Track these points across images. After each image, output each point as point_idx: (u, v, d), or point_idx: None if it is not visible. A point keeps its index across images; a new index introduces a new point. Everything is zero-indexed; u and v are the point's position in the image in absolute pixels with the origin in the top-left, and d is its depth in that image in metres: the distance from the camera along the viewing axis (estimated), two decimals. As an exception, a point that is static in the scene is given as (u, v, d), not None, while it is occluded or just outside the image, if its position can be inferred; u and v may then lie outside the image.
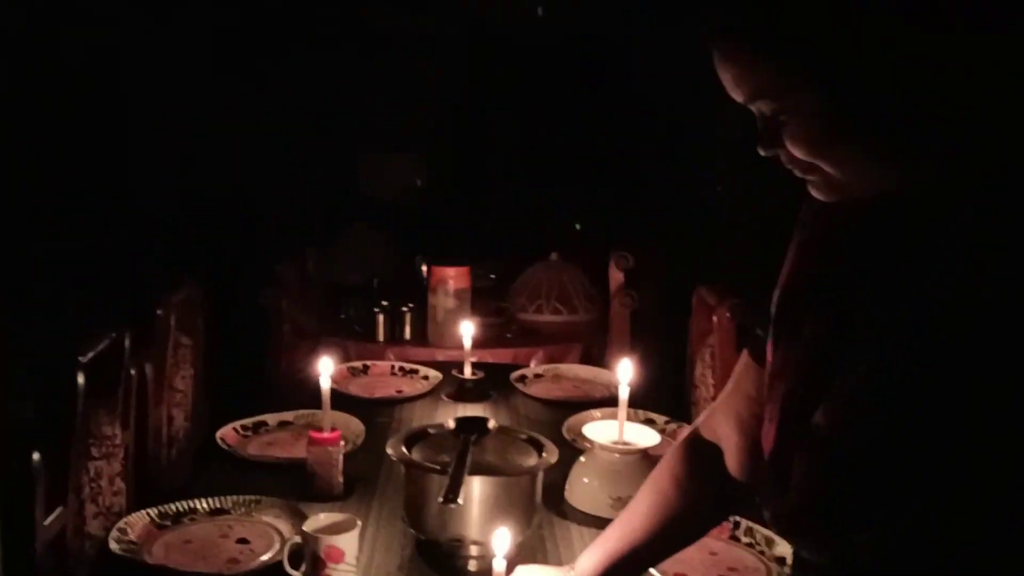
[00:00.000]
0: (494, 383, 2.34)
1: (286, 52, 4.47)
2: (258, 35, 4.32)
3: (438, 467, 1.40)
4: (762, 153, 0.86)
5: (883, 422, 0.78)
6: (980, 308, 0.74)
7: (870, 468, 0.79)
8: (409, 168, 5.02)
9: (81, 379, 1.27)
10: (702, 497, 1.17)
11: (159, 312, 1.72)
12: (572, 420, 2.03)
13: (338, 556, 1.30)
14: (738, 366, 1.14)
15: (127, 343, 1.47)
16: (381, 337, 2.91)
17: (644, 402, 2.14)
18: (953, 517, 0.74)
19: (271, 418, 2.02)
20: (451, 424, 1.52)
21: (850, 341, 0.83)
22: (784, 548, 1.44)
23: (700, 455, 1.18)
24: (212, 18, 4.17)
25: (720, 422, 1.16)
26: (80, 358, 1.28)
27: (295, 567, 1.32)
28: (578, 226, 4.11)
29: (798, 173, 0.85)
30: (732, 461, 1.13)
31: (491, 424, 1.53)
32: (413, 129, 4.96)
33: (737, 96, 0.85)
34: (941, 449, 0.74)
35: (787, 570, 1.39)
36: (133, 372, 1.54)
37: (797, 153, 0.82)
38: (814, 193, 0.86)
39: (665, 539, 1.20)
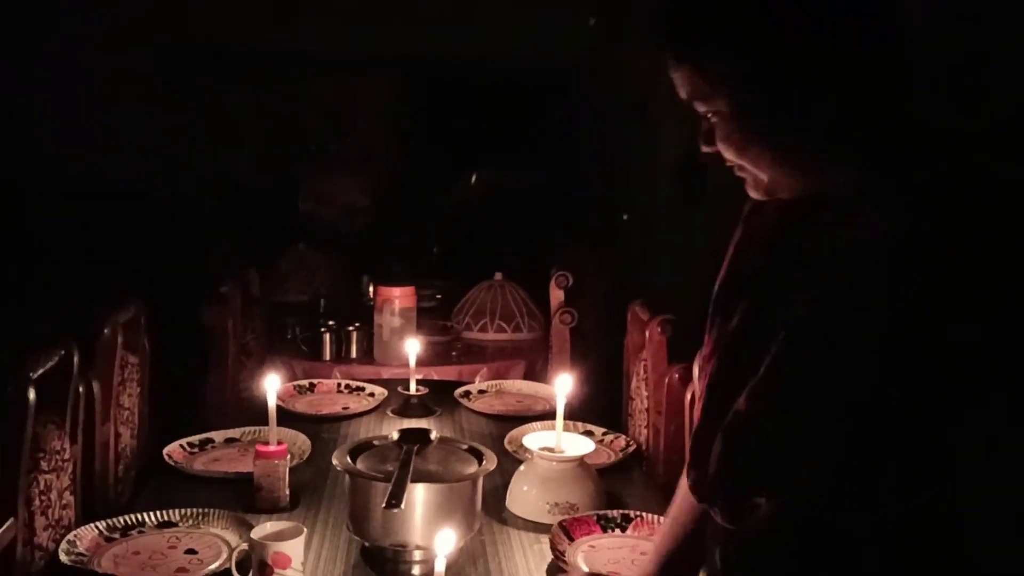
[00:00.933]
0: (439, 399, 2.40)
1: (229, 74, 4.51)
2: (201, 57, 4.35)
3: (382, 475, 1.46)
4: (704, 150, 0.96)
5: (782, 409, 0.88)
6: (865, 306, 0.84)
7: (773, 449, 0.89)
8: (351, 190, 5.07)
9: (32, 394, 1.30)
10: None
11: (106, 331, 1.75)
12: (513, 432, 2.10)
13: (284, 562, 1.35)
14: None
15: (76, 360, 1.50)
16: (328, 356, 2.95)
17: (583, 415, 2.22)
18: (840, 487, 0.85)
19: (217, 435, 2.06)
20: (395, 436, 1.59)
21: (763, 333, 0.93)
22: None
23: None
24: (151, 37, 4.18)
25: None
26: (31, 374, 1.32)
27: (243, 574, 1.36)
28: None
29: (736, 172, 0.96)
30: None
31: (433, 435, 1.60)
32: (355, 151, 5.02)
33: (681, 96, 0.94)
34: (830, 431, 0.85)
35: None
36: (81, 389, 1.57)
37: (724, 152, 0.93)
38: (748, 191, 0.97)
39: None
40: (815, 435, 0.86)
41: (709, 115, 0.93)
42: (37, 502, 1.38)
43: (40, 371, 1.36)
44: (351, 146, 5.14)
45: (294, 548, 1.36)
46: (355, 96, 5.16)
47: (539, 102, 4.97)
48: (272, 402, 1.75)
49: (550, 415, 2.06)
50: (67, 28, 3.91)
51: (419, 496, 1.47)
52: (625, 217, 4.54)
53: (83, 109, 3.87)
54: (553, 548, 1.50)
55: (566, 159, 4.87)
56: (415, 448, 1.54)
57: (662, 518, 1.60)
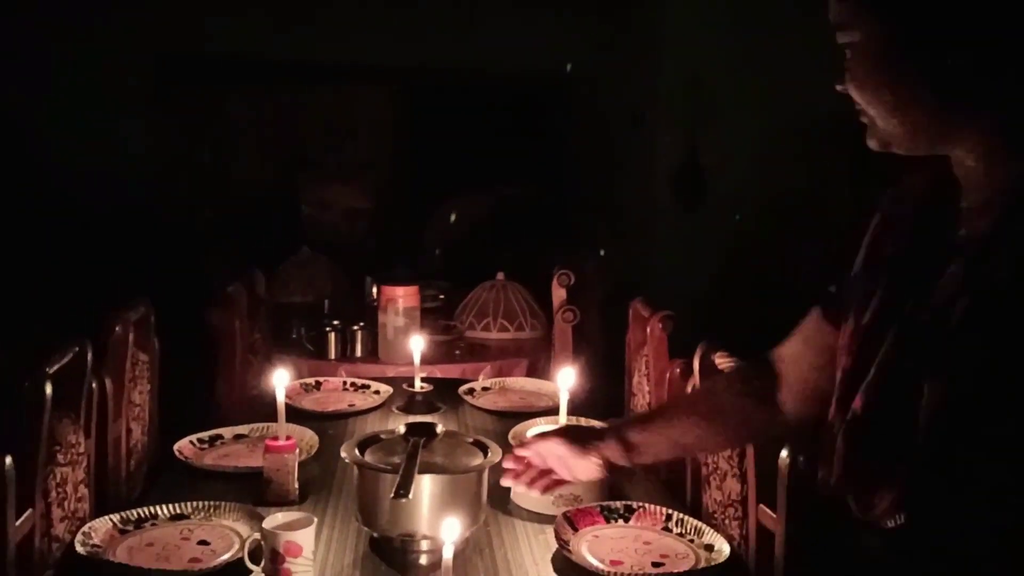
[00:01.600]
0: (443, 396, 2.43)
1: (230, 83, 4.56)
2: (202, 66, 4.40)
3: (389, 467, 1.50)
4: (837, 88, 0.95)
5: (898, 411, 0.88)
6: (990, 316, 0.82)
7: (888, 450, 0.90)
8: (351, 195, 5.12)
9: (48, 389, 1.34)
10: (741, 411, 1.28)
11: (117, 329, 1.79)
12: (517, 428, 2.13)
13: (296, 551, 1.38)
14: (807, 320, 1.20)
15: (89, 357, 1.54)
16: (333, 355, 2.99)
17: (586, 411, 2.25)
18: (958, 487, 0.85)
19: (226, 431, 2.09)
20: (402, 429, 1.62)
21: (884, 331, 0.92)
22: (711, 536, 1.56)
23: (758, 377, 1.26)
24: (152, 46, 4.23)
25: (786, 360, 1.23)
26: (47, 370, 1.35)
27: (255, 563, 1.39)
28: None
29: (860, 118, 0.94)
30: (785, 396, 1.22)
31: (439, 429, 1.63)
32: (355, 158, 5.08)
33: (830, 18, 0.94)
34: (950, 431, 0.84)
35: (715, 556, 1.50)
36: (94, 385, 1.60)
37: (851, 91, 0.92)
38: (868, 142, 0.95)
39: (695, 434, 1.32)
40: (926, 430, 0.85)
41: (847, 49, 0.92)
42: (54, 494, 1.41)
43: (55, 367, 1.39)
44: (351, 153, 5.19)
45: (305, 537, 1.39)
46: (355, 105, 5.22)
47: (538, 110, 5.02)
48: (281, 397, 1.78)
49: (553, 411, 2.09)
50: (73, 37, 3.96)
51: (426, 487, 1.50)
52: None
53: (89, 116, 3.92)
54: (558, 538, 1.53)
55: (566, 165, 4.92)
56: (422, 441, 1.57)
57: (664, 509, 1.64)
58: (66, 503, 1.47)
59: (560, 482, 1.51)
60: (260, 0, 4.49)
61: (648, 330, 2.12)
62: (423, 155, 5.16)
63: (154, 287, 2.31)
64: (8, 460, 1.17)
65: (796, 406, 1.22)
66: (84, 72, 3.99)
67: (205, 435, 2.04)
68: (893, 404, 0.89)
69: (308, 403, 2.41)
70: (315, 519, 1.43)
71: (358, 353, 3.03)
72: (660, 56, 4.63)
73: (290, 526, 1.41)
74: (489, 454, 1.60)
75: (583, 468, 1.46)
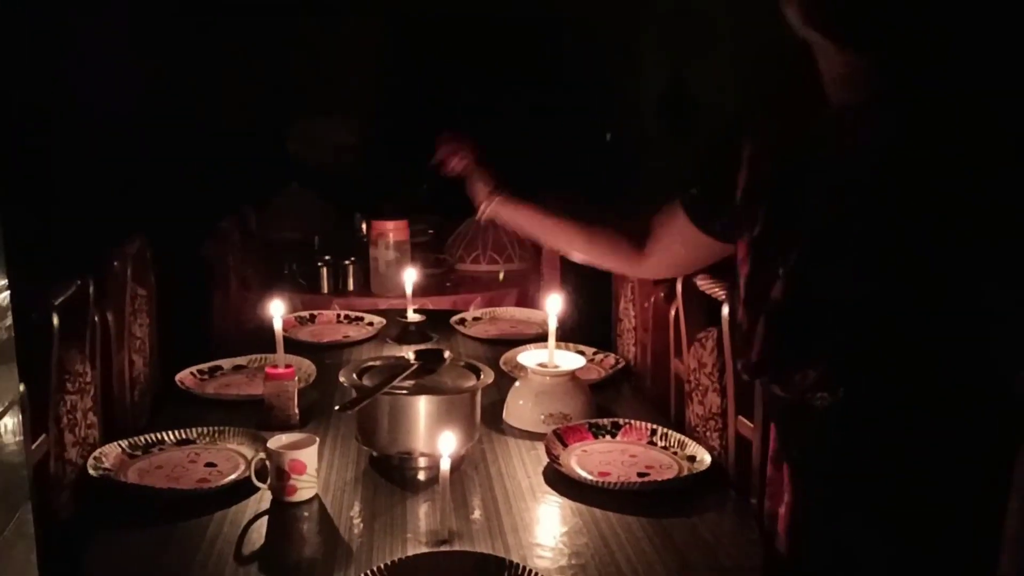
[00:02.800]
0: (435, 326, 2.50)
1: (217, 17, 4.50)
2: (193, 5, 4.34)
3: (392, 389, 1.57)
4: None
5: (821, 289, 1.00)
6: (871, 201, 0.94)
7: (812, 326, 1.02)
8: (339, 131, 5.10)
9: (56, 320, 1.39)
10: (611, 237, 1.52)
11: (116, 263, 1.83)
12: (508, 354, 2.21)
13: (301, 468, 1.46)
14: (674, 214, 1.36)
15: (91, 291, 1.58)
16: (326, 289, 3.04)
17: (574, 337, 2.33)
18: (880, 357, 0.96)
19: (225, 363, 2.15)
20: (411, 355, 1.69)
21: (785, 233, 1.04)
22: (694, 448, 1.64)
23: (637, 226, 1.47)
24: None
25: (659, 227, 1.42)
26: (54, 301, 1.40)
27: (261, 481, 1.47)
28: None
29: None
30: (648, 251, 1.45)
31: (446, 355, 1.70)
32: (343, 92, 5.04)
33: None
34: (862, 304, 0.96)
35: (697, 466, 1.59)
36: (96, 319, 1.65)
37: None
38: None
39: (558, 222, 1.61)
40: (844, 311, 0.97)
41: None
42: (65, 420, 1.47)
43: (61, 299, 1.44)
44: (340, 86, 5.15)
45: (309, 456, 1.46)
46: (344, 37, 5.15)
47: (524, 36, 4.98)
48: (279, 325, 1.84)
49: (543, 338, 2.15)
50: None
51: (422, 407, 1.57)
52: (608, 137, 4.59)
53: (75, 48, 3.87)
54: (548, 452, 1.61)
55: (553, 93, 4.90)
56: (411, 367, 1.64)
57: (650, 424, 1.72)
58: (77, 429, 1.53)
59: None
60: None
61: (634, 256, 2.17)
62: (413, 89, 5.13)
63: (152, 221, 2.34)
64: (21, 388, 1.22)
65: (651, 264, 1.46)
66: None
67: (205, 366, 2.11)
68: (813, 287, 1.01)
69: (304, 335, 2.47)
70: (317, 439, 1.50)
71: (350, 287, 3.09)
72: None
73: (294, 445, 1.48)
74: (482, 376, 1.67)
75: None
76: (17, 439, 0.81)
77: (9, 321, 0.76)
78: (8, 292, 0.76)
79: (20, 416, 0.82)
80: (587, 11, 4.82)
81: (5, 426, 0.79)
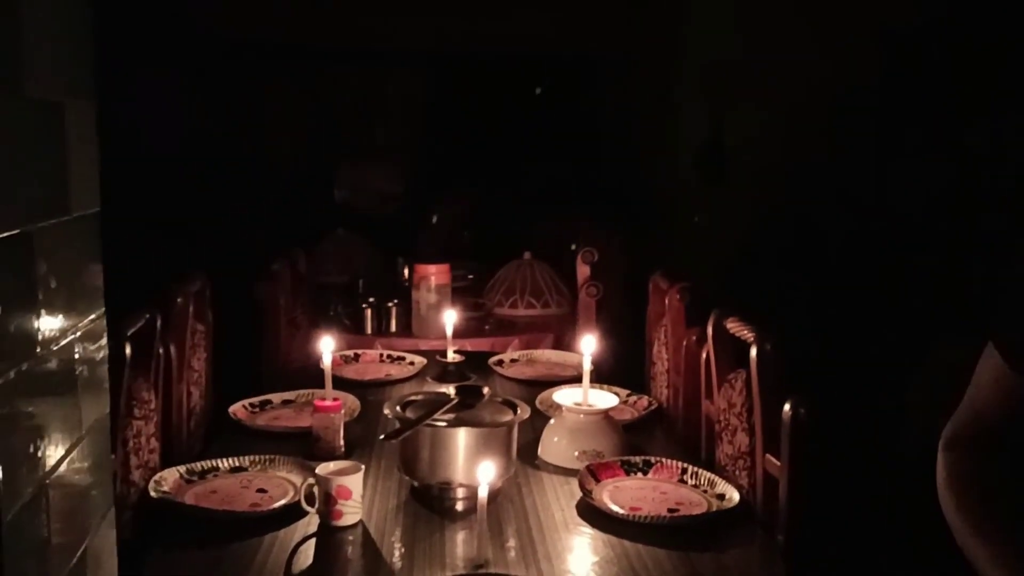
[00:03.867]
0: (474, 367, 2.58)
1: (271, 69, 4.73)
2: (243, 51, 4.57)
3: (432, 421, 1.65)
4: None
5: None
6: None
7: None
8: (384, 178, 5.28)
9: (128, 349, 1.50)
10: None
11: (179, 300, 1.95)
12: (544, 394, 2.28)
13: (347, 494, 1.55)
14: (988, 372, 1.12)
15: (158, 324, 1.70)
16: (369, 330, 3.15)
17: (608, 379, 2.40)
18: None
19: (275, 397, 2.26)
20: (451, 391, 1.78)
21: None
22: (723, 487, 1.70)
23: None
24: (196, 32, 4.40)
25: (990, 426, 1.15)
26: (127, 331, 1.52)
27: (310, 505, 1.56)
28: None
29: None
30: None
31: (485, 391, 1.79)
32: (387, 141, 5.23)
33: None
34: None
35: (726, 504, 1.64)
36: (161, 351, 1.77)
37: None
38: None
39: None
40: None
41: None
42: (131, 444, 1.58)
43: (131, 331, 1.56)
44: (383, 136, 5.35)
45: (355, 482, 1.55)
46: (386, 88, 5.37)
47: (568, 91, 5.14)
48: (328, 360, 1.94)
49: (578, 380, 2.23)
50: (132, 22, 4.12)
51: (461, 439, 1.66)
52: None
53: (135, 90, 4.09)
54: (582, 487, 1.68)
55: (593, 145, 5.04)
56: (452, 401, 1.73)
57: (681, 463, 1.78)
58: (140, 453, 1.64)
59: None
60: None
61: (667, 301, 2.25)
62: (454, 137, 5.30)
63: (209, 262, 2.47)
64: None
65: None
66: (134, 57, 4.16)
67: (256, 400, 2.21)
68: None
69: (349, 372, 2.58)
70: (363, 466, 1.59)
71: (392, 328, 3.19)
72: (685, 34, 4.73)
73: (341, 472, 1.57)
74: (518, 411, 1.76)
75: None
76: (104, 450, 0.91)
77: (105, 345, 0.86)
78: (105, 319, 0.86)
79: (107, 430, 0.92)
80: (627, 58, 4.96)
81: (95, 438, 0.89)
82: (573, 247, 3.23)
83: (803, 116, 4.40)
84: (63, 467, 0.75)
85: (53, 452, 0.73)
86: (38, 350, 0.67)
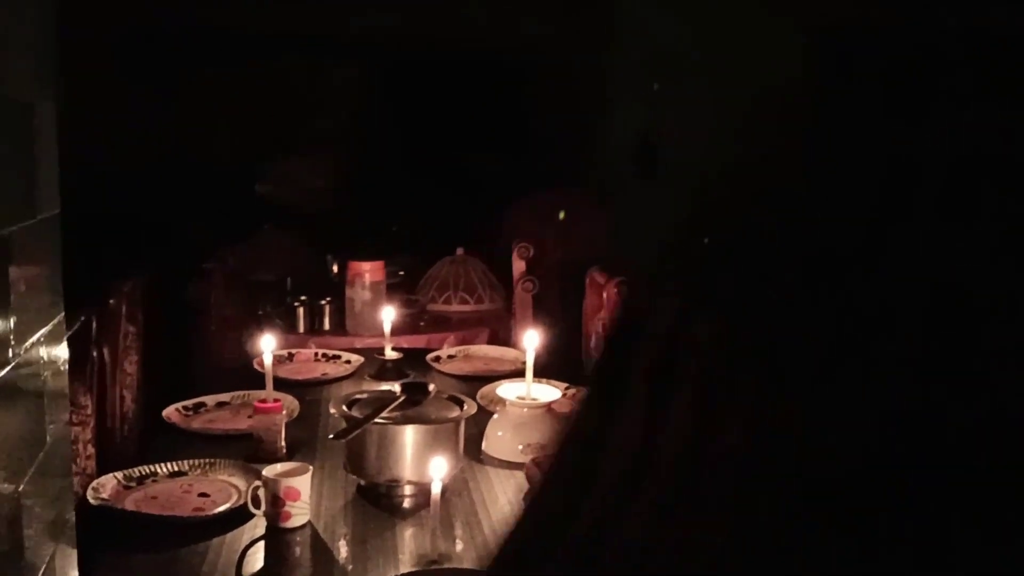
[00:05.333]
0: (411, 364, 2.58)
1: (192, 60, 4.60)
2: (165, 42, 4.43)
3: (376, 419, 1.65)
4: None
5: None
6: None
7: None
8: (313, 173, 5.20)
9: (66, 352, 1.45)
10: None
11: (112, 301, 1.90)
12: (485, 389, 2.29)
13: (295, 495, 1.53)
14: None
15: (93, 326, 1.65)
16: (302, 328, 3.11)
17: (546, 372, 2.43)
18: None
19: (209, 399, 2.21)
20: (397, 388, 1.78)
21: None
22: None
23: None
24: (118, 25, 4.25)
25: None
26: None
27: (256, 507, 1.54)
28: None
29: None
30: None
31: (431, 387, 1.79)
32: (318, 135, 5.15)
33: None
34: None
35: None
36: (95, 354, 1.72)
37: None
38: None
39: None
40: None
41: None
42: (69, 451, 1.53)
43: (68, 333, 1.51)
44: (313, 130, 5.27)
45: (303, 483, 1.54)
46: (317, 81, 5.28)
47: (500, 85, 5.15)
48: (268, 360, 1.92)
49: (516, 374, 2.26)
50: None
51: (409, 436, 1.66)
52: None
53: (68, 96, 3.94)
54: (529, 479, 1.71)
55: (528, 140, 5.07)
56: (398, 399, 1.73)
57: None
58: (78, 459, 1.59)
59: None
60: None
61: (604, 295, 2.30)
62: (386, 131, 5.25)
63: (137, 262, 2.41)
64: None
65: None
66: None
67: (189, 403, 2.16)
68: None
69: (284, 372, 2.53)
70: (311, 467, 1.58)
71: (326, 326, 3.16)
72: (618, 32, 4.80)
73: (288, 473, 1.56)
74: (465, 407, 1.77)
75: None
76: (67, 456, 0.89)
77: (66, 348, 0.84)
78: (65, 323, 0.84)
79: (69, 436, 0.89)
80: (563, 55, 5.01)
81: (60, 445, 0.87)
82: (513, 242, 3.25)
83: (734, 113, 4.53)
84: (33, 474, 0.73)
85: (25, 460, 0.71)
86: (10, 355, 0.65)
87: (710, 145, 4.46)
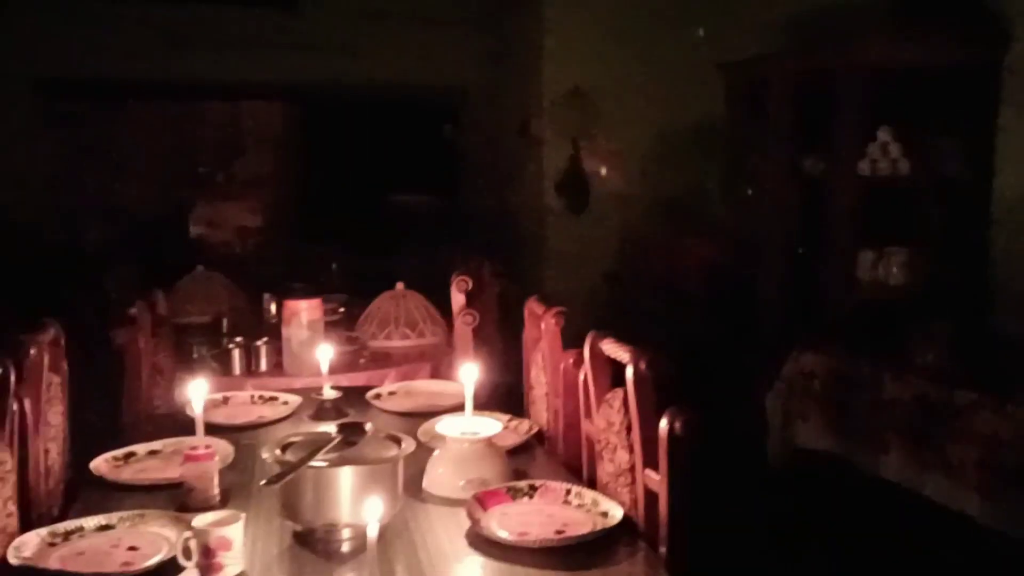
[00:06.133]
0: (351, 402, 2.53)
1: (115, 104, 4.53)
2: (84, 89, 4.36)
3: (312, 462, 1.61)
4: None
5: None
6: None
7: None
8: (243, 213, 5.15)
9: (-22, 407, 1.39)
10: None
11: (32, 351, 1.83)
12: (425, 426, 2.26)
13: (227, 545, 1.48)
14: None
15: (12, 378, 1.59)
16: (238, 371, 3.04)
17: (488, 405, 2.42)
18: None
19: (139, 448, 2.14)
20: (333, 429, 1.74)
21: None
22: (606, 504, 1.74)
23: None
24: (36, 71, 4.17)
25: None
26: (-25, 389, 1.40)
27: (188, 559, 1.48)
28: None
29: None
30: None
31: (368, 427, 1.76)
32: (245, 176, 5.11)
33: None
34: None
35: (610, 521, 1.68)
36: (15, 407, 1.65)
37: None
38: None
39: None
40: None
41: None
42: (-16, 510, 1.46)
43: (-18, 386, 1.44)
44: (241, 171, 5.22)
45: (235, 531, 1.49)
46: (243, 122, 5.25)
47: (429, 123, 5.18)
48: (199, 407, 1.86)
49: (458, 408, 2.22)
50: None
51: (346, 478, 1.63)
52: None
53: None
54: (470, 516, 1.68)
55: (459, 175, 5.09)
56: (333, 440, 1.70)
57: (565, 484, 1.81)
58: (-5, 518, 1.52)
59: None
60: (148, 20, 4.48)
61: (543, 326, 2.29)
62: (315, 170, 5.23)
63: (59, 309, 2.33)
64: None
65: None
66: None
67: (120, 452, 2.09)
68: None
69: (219, 417, 2.46)
70: (243, 515, 1.53)
71: (263, 367, 3.09)
72: (542, 68, 4.88)
73: (219, 523, 1.51)
74: (403, 446, 1.74)
75: None
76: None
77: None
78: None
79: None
80: (487, 92, 5.06)
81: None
82: (452, 275, 3.24)
83: (659, 143, 4.63)
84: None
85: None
86: None
87: (633, 178, 4.55)
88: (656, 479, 1.62)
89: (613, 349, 1.83)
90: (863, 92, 3.54)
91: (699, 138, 4.51)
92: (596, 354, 1.91)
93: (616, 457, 1.81)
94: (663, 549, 1.61)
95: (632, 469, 1.74)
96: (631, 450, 1.74)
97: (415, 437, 2.18)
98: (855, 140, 3.64)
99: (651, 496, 1.65)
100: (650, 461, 1.65)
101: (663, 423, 1.57)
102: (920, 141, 3.61)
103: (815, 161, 3.92)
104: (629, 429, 1.75)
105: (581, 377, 1.99)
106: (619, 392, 1.80)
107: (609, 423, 1.84)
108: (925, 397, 2.78)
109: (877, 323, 3.30)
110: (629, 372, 1.72)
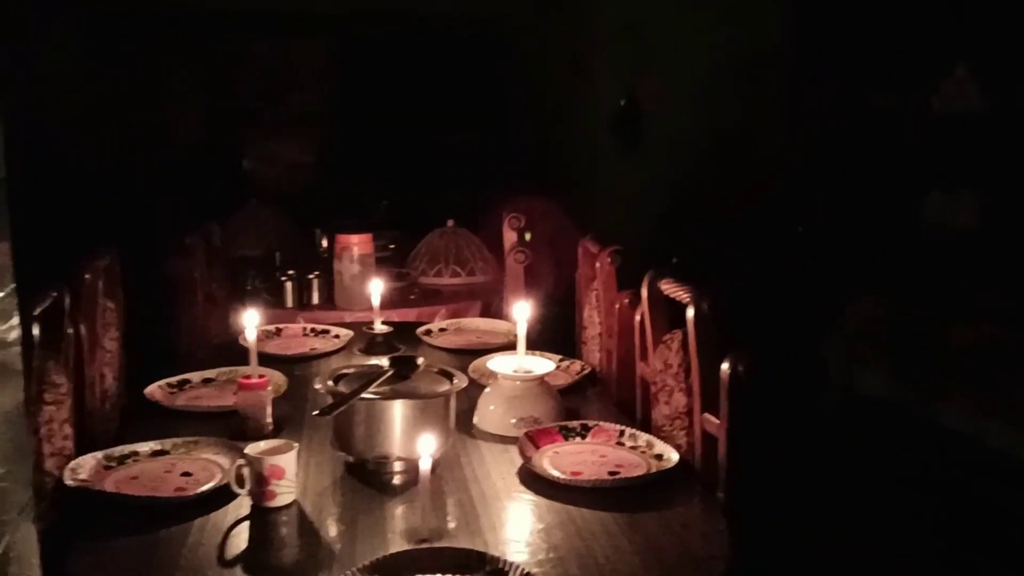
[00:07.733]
0: (402, 338, 2.53)
1: (165, 38, 4.51)
2: (135, 23, 4.34)
3: (368, 394, 1.60)
4: None
5: None
6: None
7: None
8: (293, 149, 5.14)
9: (36, 330, 1.39)
10: None
11: (87, 277, 1.83)
12: (476, 363, 2.25)
13: (280, 473, 1.48)
14: None
15: (67, 302, 1.59)
16: (290, 303, 3.05)
17: (540, 345, 2.38)
18: None
19: (194, 376, 2.16)
20: (385, 362, 1.72)
21: None
22: (661, 447, 1.70)
23: None
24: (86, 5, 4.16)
25: None
26: (33, 311, 1.41)
27: (240, 487, 1.49)
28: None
29: None
30: None
31: (420, 361, 1.74)
32: (295, 111, 5.08)
33: None
34: None
35: (665, 464, 1.64)
36: (71, 331, 1.66)
37: None
38: None
39: None
40: None
41: None
42: (43, 431, 1.48)
43: (39, 309, 1.45)
44: (292, 106, 5.20)
45: (288, 461, 1.49)
46: (292, 57, 5.21)
47: (480, 58, 5.06)
48: (252, 336, 1.86)
49: (508, 347, 2.20)
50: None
51: (398, 411, 1.61)
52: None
53: (25, 79, 3.84)
54: (522, 454, 1.66)
55: (510, 113, 4.99)
56: (386, 373, 1.68)
57: (618, 426, 1.78)
58: (53, 440, 1.53)
59: None
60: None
61: (597, 265, 2.24)
62: (365, 106, 5.17)
63: (111, 238, 2.33)
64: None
65: None
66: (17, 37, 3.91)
67: (174, 380, 2.11)
68: None
69: (272, 348, 2.48)
70: (296, 445, 1.53)
71: (315, 301, 3.10)
72: (598, 3, 4.72)
73: (273, 451, 1.50)
74: (455, 381, 1.72)
75: None
76: (21, 438, 0.83)
77: (16, 325, 0.78)
78: (16, 296, 0.78)
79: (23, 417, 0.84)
80: (539, 23, 4.92)
81: (11, 427, 0.81)
82: (504, 213, 3.18)
83: (715, 79, 4.46)
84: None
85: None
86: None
87: (691, 114, 4.40)
88: (715, 423, 1.57)
89: (673, 289, 1.77)
90: (939, 23, 3.36)
91: (756, 73, 4.34)
92: (654, 294, 1.85)
93: (672, 400, 1.76)
94: (720, 494, 1.57)
95: (689, 412, 1.69)
96: (689, 393, 1.69)
97: (466, 373, 2.17)
98: (929, 74, 3.47)
99: (709, 440, 1.61)
100: (709, 405, 1.60)
101: (725, 365, 1.52)
102: (999, 77, 3.42)
103: (884, 96, 3.75)
104: (688, 372, 1.70)
105: (637, 318, 1.94)
106: (677, 333, 1.75)
107: (666, 365, 1.79)
108: (992, 342, 2.68)
109: (944, 268, 3.17)
110: (690, 313, 1.66)
